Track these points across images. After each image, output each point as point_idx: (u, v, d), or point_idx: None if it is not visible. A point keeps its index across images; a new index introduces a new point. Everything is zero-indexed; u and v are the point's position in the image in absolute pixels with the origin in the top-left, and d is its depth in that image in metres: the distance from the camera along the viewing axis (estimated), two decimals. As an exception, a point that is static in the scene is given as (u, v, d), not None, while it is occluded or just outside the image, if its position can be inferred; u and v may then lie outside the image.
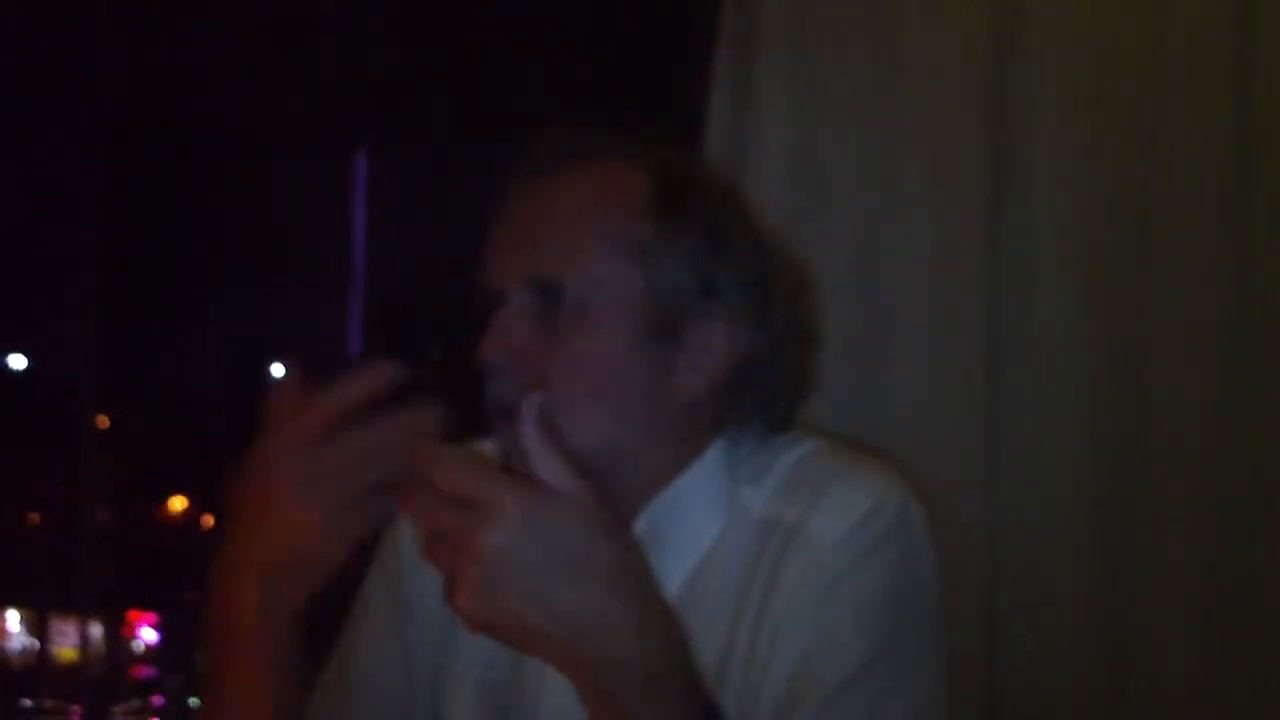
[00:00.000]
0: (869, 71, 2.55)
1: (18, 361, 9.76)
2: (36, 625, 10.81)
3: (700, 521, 1.52)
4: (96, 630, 10.71)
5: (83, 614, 10.26)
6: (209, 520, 10.37)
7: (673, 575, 1.49)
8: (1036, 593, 2.47)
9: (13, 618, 11.00)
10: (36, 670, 10.36)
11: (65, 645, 10.72)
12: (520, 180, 1.51)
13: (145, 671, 10.49)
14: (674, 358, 1.49)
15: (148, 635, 10.84)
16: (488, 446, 1.49)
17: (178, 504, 10.63)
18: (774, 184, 2.51)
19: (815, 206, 2.52)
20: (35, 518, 10.72)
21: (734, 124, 2.56)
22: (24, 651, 10.93)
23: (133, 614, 10.74)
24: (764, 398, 1.54)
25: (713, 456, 1.53)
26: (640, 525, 1.50)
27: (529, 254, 1.48)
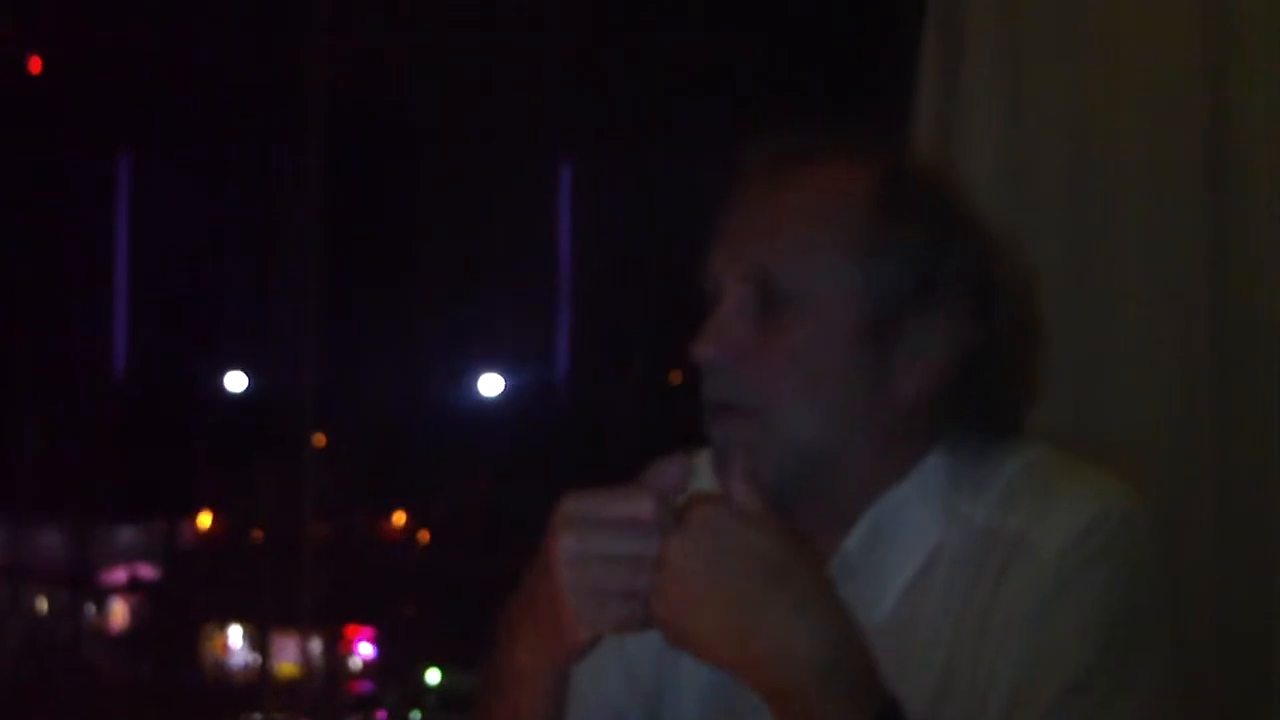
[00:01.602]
0: (1078, 63, 2.49)
1: (237, 382, 10.04)
2: (258, 640, 11.09)
3: (918, 531, 1.49)
4: (316, 645, 10.96)
5: (303, 629, 10.50)
6: (424, 536, 10.54)
7: (890, 585, 1.47)
8: (1271, 607, 2.38)
9: (235, 633, 11.31)
10: (259, 684, 10.63)
11: (286, 660, 10.98)
12: (741, 181, 1.51)
13: (362, 686, 10.69)
14: (892, 358, 1.47)
15: (364, 650, 11.05)
16: (702, 452, 1.48)
17: (398, 519, 10.81)
18: (981, 182, 2.47)
19: (1023, 205, 2.47)
20: (257, 535, 11.00)
21: (940, 122, 2.52)
22: (246, 666, 11.23)
23: (350, 629, 10.95)
24: (987, 401, 1.51)
25: (933, 464, 1.50)
26: (858, 533, 1.49)
27: (747, 252, 1.47)
